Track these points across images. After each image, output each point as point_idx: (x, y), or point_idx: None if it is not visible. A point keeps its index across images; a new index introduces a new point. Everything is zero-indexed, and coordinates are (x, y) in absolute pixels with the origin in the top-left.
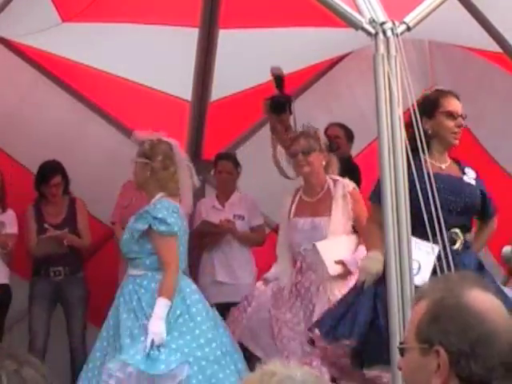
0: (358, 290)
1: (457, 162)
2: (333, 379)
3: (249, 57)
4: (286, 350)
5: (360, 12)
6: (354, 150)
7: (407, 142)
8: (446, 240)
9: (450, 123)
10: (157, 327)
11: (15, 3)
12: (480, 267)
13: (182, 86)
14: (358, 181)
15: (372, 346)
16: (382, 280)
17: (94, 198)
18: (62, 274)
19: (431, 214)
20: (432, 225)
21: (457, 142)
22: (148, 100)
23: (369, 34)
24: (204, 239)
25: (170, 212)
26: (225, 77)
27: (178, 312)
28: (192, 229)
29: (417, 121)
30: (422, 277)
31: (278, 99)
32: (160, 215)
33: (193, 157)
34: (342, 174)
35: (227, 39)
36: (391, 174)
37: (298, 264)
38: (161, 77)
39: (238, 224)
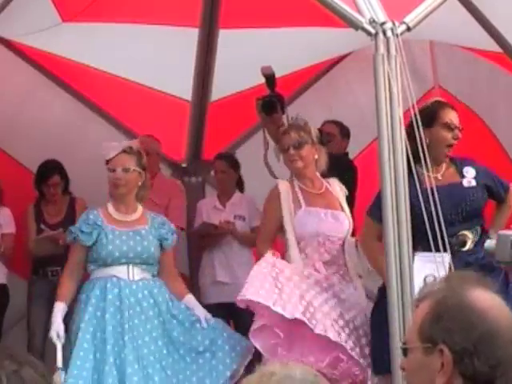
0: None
1: (454, 161)
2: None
3: (249, 57)
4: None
5: (360, 12)
6: (355, 151)
7: (409, 152)
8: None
9: (448, 135)
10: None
11: (15, 3)
12: (490, 265)
13: (182, 86)
14: (353, 179)
15: None
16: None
17: (94, 198)
18: (59, 274)
19: (432, 226)
20: (435, 236)
21: (450, 154)
22: (148, 100)
23: (369, 34)
24: (204, 240)
25: None
26: (225, 77)
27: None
28: (192, 229)
29: (417, 121)
30: None
31: (269, 99)
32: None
33: (193, 157)
34: (337, 171)
35: (227, 39)
36: (391, 174)
37: (326, 256)
38: (161, 77)
39: (238, 224)
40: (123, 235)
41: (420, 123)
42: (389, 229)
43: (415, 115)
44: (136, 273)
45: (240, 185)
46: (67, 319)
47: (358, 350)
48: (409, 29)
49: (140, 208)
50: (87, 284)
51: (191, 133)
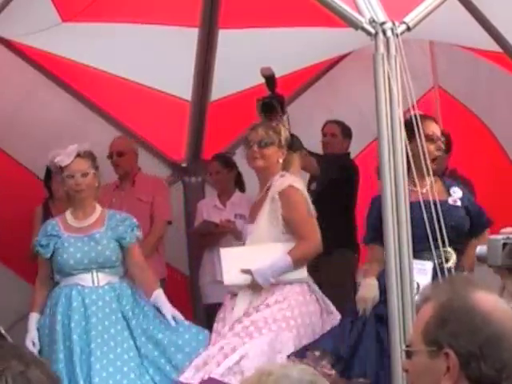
0: (361, 318)
1: (442, 179)
2: None
3: (249, 57)
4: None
5: (360, 12)
6: (354, 151)
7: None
8: (441, 256)
9: (430, 146)
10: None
11: (15, 3)
12: None
13: (182, 86)
14: (353, 179)
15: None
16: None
17: None
18: None
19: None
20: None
21: (434, 166)
22: (148, 100)
23: (369, 33)
24: (204, 239)
25: None
26: (225, 77)
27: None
28: (193, 228)
29: (417, 122)
30: None
31: (269, 100)
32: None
33: (193, 157)
34: (338, 171)
35: (227, 39)
36: (391, 175)
37: None
38: (161, 77)
39: (239, 223)
40: (78, 242)
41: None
42: (389, 229)
43: (415, 115)
44: (101, 278)
45: (240, 184)
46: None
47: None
48: (409, 29)
49: (99, 209)
50: (55, 290)
51: (191, 133)
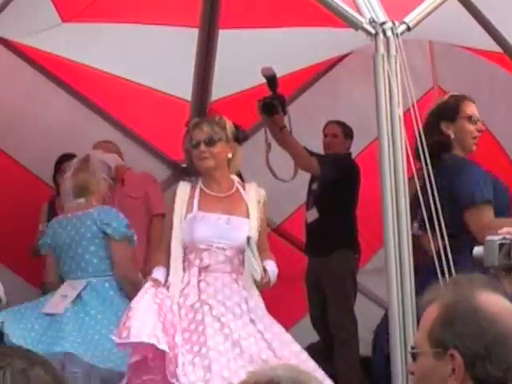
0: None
1: None
2: None
3: (249, 57)
4: None
5: (360, 12)
6: (354, 151)
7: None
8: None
9: (471, 127)
10: None
11: (15, 3)
12: None
13: (182, 86)
14: (354, 180)
15: None
16: None
17: None
18: None
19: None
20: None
21: (475, 147)
22: (148, 100)
23: (369, 34)
24: None
25: None
26: (225, 77)
27: None
28: None
29: (417, 121)
30: None
31: (270, 100)
32: None
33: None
34: (339, 171)
35: (227, 39)
36: (391, 174)
37: (206, 261)
38: (161, 77)
39: None
40: None
41: (417, 124)
42: (389, 229)
43: (415, 115)
44: None
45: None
46: None
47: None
48: (409, 29)
49: None
50: None
51: None
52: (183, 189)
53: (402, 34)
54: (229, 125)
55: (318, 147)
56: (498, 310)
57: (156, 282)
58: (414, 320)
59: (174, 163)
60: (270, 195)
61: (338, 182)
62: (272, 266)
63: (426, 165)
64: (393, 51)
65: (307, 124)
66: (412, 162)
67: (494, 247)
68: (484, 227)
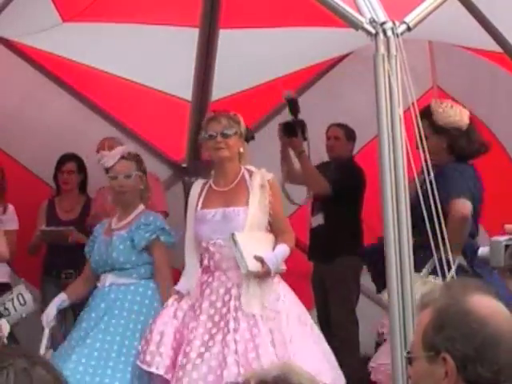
0: None
1: None
2: None
3: (249, 57)
4: None
5: (360, 12)
6: (354, 150)
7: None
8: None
9: None
10: None
11: (15, 3)
12: None
13: (182, 86)
14: (357, 182)
15: None
16: None
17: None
18: (72, 277)
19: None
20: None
21: None
22: (148, 100)
23: (369, 33)
24: None
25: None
26: (225, 77)
27: None
28: None
29: (417, 121)
30: None
31: (290, 122)
32: (165, 226)
33: (193, 157)
34: (342, 174)
35: (227, 39)
36: (391, 174)
37: (206, 262)
38: (161, 77)
39: None
40: (101, 244)
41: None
42: (389, 229)
43: (415, 114)
44: (108, 279)
45: None
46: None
47: None
48: (409, 29)
49: (136, 212)
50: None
51: (191, 133)
52: (195, 188)
53: (402, 33)
54: (242, 121)
55: (317, 146)
56: (489, 312)
57: (179, 294)
58: (414, 320)
59: (175, 163)
60: None
61: (343, 186)
62: (281, 251)
63: (426, 164)
64: (393, 51)
65: (307, 124)
66: (412, 161)
67: (500, 248)
68: None
